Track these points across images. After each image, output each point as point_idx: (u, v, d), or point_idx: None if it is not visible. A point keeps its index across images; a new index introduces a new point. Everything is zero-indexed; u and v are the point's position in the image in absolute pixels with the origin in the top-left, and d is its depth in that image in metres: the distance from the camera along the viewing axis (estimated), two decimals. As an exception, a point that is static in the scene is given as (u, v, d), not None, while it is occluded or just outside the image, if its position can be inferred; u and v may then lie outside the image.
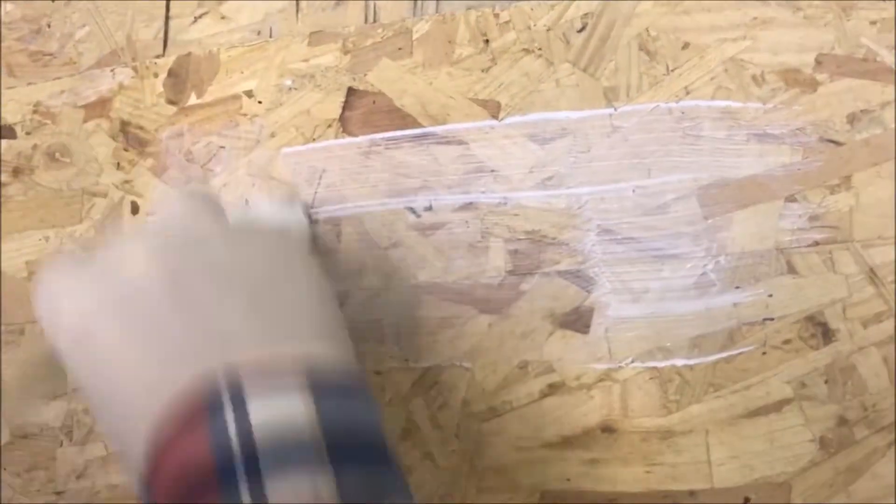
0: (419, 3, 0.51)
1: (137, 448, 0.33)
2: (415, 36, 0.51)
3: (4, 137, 0.57)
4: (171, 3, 0.56)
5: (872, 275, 0.42)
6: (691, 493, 0.43)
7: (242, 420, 0.30)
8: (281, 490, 0.29)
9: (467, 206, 0.48)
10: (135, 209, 0.53)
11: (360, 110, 0.51)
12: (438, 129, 0.49)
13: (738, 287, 0.44)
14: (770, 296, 0.43)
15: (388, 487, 0.32)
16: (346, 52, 0.52)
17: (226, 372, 0.32)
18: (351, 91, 0.51)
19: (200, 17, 0.56)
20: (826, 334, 0.43)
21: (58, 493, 0.51)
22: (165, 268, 0.35)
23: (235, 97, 0.53)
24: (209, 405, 0.31)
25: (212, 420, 0.30)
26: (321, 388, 0.32)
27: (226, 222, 0.39)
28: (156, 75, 0.55)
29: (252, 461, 0.29)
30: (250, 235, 0.38)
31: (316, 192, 0.50)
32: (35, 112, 0.57)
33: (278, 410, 0.31)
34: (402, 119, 0.50)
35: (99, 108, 0.56)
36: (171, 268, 0.35)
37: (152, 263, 0.35)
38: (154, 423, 0.32)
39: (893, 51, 0.44)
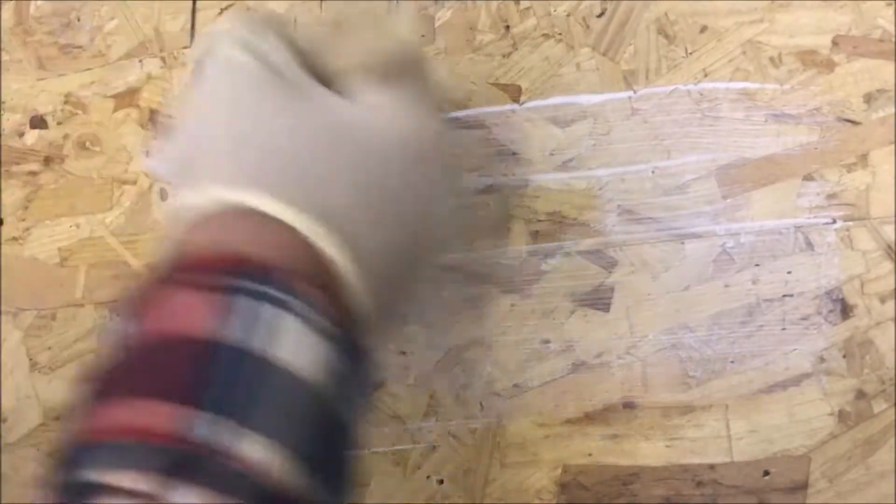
0: (441, -9, 0.52)
1: (186, 198, 0.33)
2: (437, 23, 0.52)
3: (36, 128, 0.59)
4: (198, -5, 0.58)
5: (889, 251, 0.43)
6: (711, 466, 0.44)
7: (271, 328, 0.28)
8: (252, 445, 0.27)
9: (489, 189, 0.49)
10: (164, 196, 0.55)
11: (384, 96, 0.52)
12: (461, 113, 0.50)
13: (757, 264, 0.45)
14: (789, 273, 0.44)
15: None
16: (369, 40, 0.53)
17: (290, 267, 0.30)
18: (374, 78, 0.52)
19: (227, 8, 0.57)
20: (844, 310, 0.43)
21: (90, 473, 0.52)
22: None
23: (261, 85, 0.54)
24: (254, 280, 0.29)
25: (246, 298, 0.28)
26: (345, 345, 0.31)
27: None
28: (183, 65, 0.56)
29: (237, 381, 0.27)
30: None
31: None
32: (66, 103, 0.58)
33: (307, 347, 0.29)
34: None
35: (128, 97, 0.57)
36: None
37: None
38: (223, 201, 0.31)
39: (909, 31, 0.45)
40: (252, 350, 0.27)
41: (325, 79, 0.37)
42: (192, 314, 0.28)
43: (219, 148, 0.33)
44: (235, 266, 0.29)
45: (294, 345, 0.28)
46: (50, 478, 0.27)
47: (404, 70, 0.38)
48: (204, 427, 0.26)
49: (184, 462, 0.25)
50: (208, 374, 0.27)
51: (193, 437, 0.25)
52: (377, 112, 0.36)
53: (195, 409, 0.26)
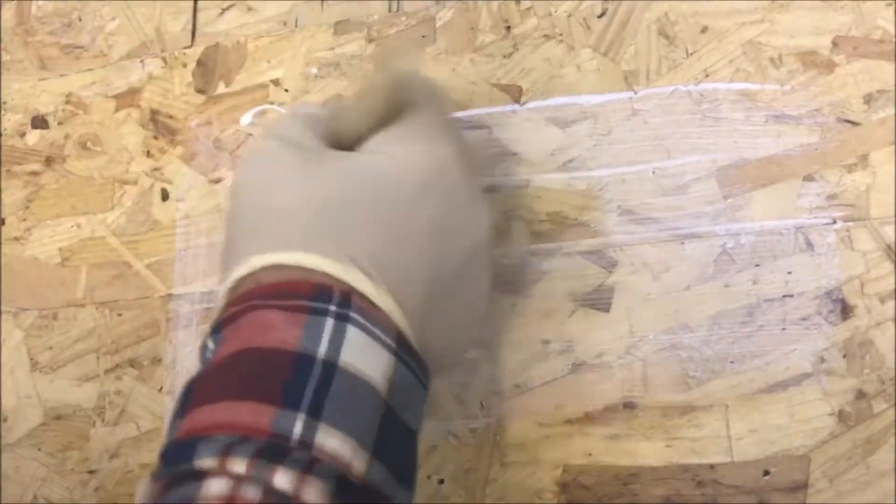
0: (442, -9, 0.53)
1: (232, 272, 0.36)
2: (438, 24, 0.52)
3: (38, 128, 0.59)
4: (200, -4, 0.58)
5: (889, 251, 0.43)
6: (711, 466, 0.44)
7: (335, 339, 0.33)
8: (328, 439, 0.31)
9: (490, 189, 0.49)
10: (164, 195, 0.55)
11: (385, 97, 0.52)
12: (462, 114, 0.50)
13: (757, 265, 0.45)
14: (789, 273, 0.44)
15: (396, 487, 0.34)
16: (370, 41, 0.53)
17: (343, 288, 0.34)
18: (375, 78, 0.52)
19: (228, 8, 0.57)
20: (844, 310, 0.43)
21: (91, 472, 0.53)
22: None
23: (262, 86, 0.54)
24: (317, 301, 0.33)
25: (312, 315, 0.33)
26: (403, 357, 0.34)
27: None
28: (184, 65, 0.57)
29: (322, 387, 0.32)
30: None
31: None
32: (67, 103, 0.59)
33: (369, 354, 0.33)
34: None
35: (129, 98, 0.57)
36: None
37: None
38: (257, 276, 0.35)
39: (910, 32, 0.45)
40: (319, 356, 0.32)
41: (350, 146, 0.40)
42: (273, 330, 0.33)
43: (251, 221, 0.37)
44: (320, 292, 0.34)
45: (372, 361, 0.33)
46: (159, 472, 0.32)
47: (399, 105, 0.40)
48: (289, 422, 0.30)
49: (275, 450, 0.30)
50: (295, 379, 0.31)
51: (281, 430, 0.30)
52: (386, 154, 0.38)
53: (284, 408, 0.31)
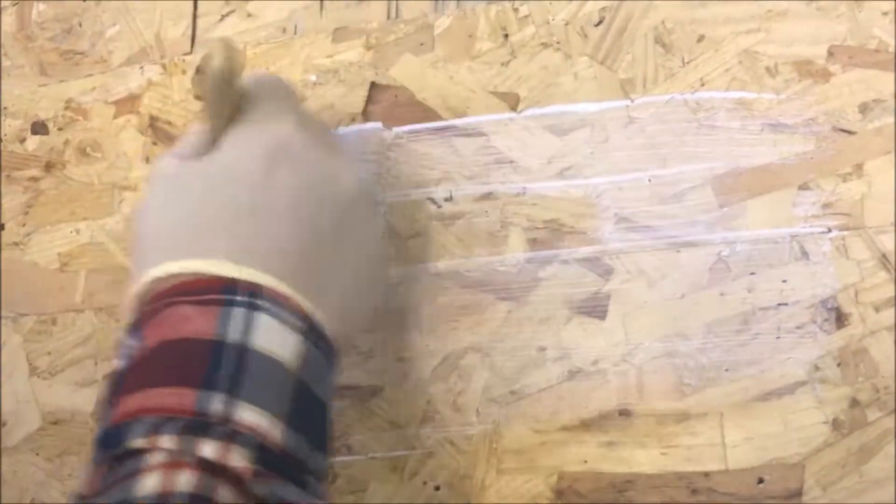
0: (440, -1, 0.53)
1: (144, 277, 0.39)
2: (436, 31, 0.52)
3: (37, 133, 0.59)
4: (199, 2, 0.58)
5: (884, 260, 0.43)
6: (706, 474, 0.44)
7: (247, 326, 0.36)
8: (246, 413, 0.34)
9: (487, 196, 0.49)
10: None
11: (383, 104, 0.52)
12: (459, 121, 0.50)
13: (752, 273, 0.45)
14: (784, 281, 0.44)
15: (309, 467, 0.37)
16: (368, 48, 0.53)
17: (250, 281, 0.37)
18: (374, 85, 0.52)
19: (227, 14, 0.57)
20: (839, 319, 0.43)
21: (89, 477, 0.53)
22: (274, 158, 0.40)
23: (261, 92, 0.54)
24: (226, 294, 0.37)
25: (225, 307, 0.36)
26: (310, 337, 0.38)
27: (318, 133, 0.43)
28: (184, 72, 0.57)
29: (238, 369, 0.35)
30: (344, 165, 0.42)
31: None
32: (67, 108, 0.59)
33: (279, 336, 0.36)
34: (423, 112, 0.51)
35: (129, 104, 0.58)
36: (282, 160, 0.40)
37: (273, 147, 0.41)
38: (170, 272, 0.38)
39: (905, 41, 0.45)
40: (233, 342, 0.35)
41: None
42: (189, 322, 0.36)
43: (148, 238, 0.41)
44: (228, 285, 0.37)
45: (268, 335, 0.36)
46: (97, 457, 0.35)
47: (237, 98, 0.42)
48: (215, 403, 0.34)
49: (198, 426, 0.33)
50: (214, 363, 0.35)
51: (203, 409, 0.34)
52: (228, 145, 0.41)
53: (206, 390, 0.34)
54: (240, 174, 0.40)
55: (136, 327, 0.38)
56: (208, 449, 0.33)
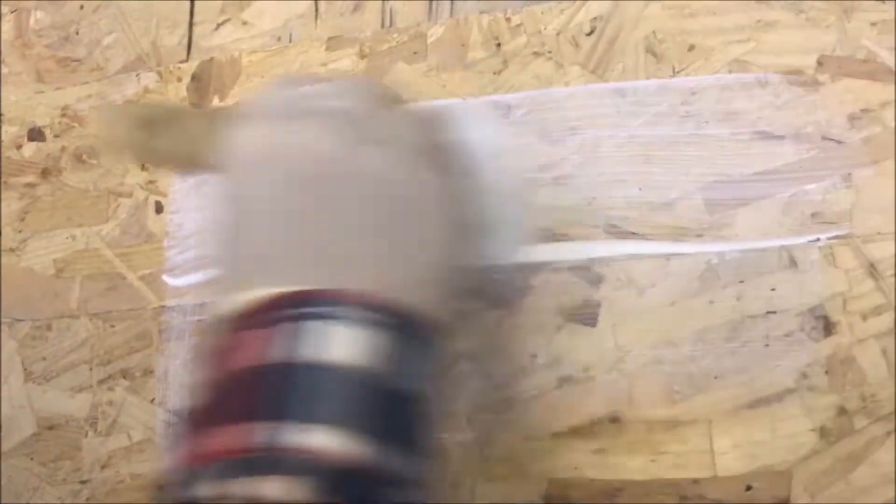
0: (433, 8, 0.53)
1: (228, 294, 0.36)
2: (429, 40, 0.52)
3: (34, 140, 0.59)
4: (195, 10, 0.58)
5: (872, 269, 0.44)
6: (695, 481, 0.44)
7: (307, 339, 0.33)
8: (314, 436, 0.31)
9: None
10: (159, 208, 0.55)
11: (376, 112, 0.52)
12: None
13: (741, 281, 0.45)
14: (773, 290, 0.45)
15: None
16: (362, 57, 0.53)
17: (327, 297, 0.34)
18: (367, 93, 0.53)
19: (223, 23, 0.58)
20: (827, 327, 0.44)
21: (83, 482, 0.53)
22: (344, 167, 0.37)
23: (256, 100, 0.55)
24: (286, 309, 0.34)
25: (274, 326, 0.33)
26: (385, 324, 0.34)
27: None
28: (179, 80, 0.57)
29: (306, 389, 0.32)
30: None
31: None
32: (63, 115, 0.59)
33: (335, 340, 0.33)
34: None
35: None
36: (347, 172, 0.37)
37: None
38: (246, 298, 0.35)
39: (893, 52, 0.45)
40: (299, 360, 0.33)
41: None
42: (253, 348, 0.34)
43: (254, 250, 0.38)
44: (279, 302, 0.34)
45: (342, 344, 0.33)
46: (164, 499, 0.33)
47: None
48: (265, 434, 0.31)
49: (263, 465, 0.31)
50: (259, 392, 0.33)
51: (256, 444, 0.31)
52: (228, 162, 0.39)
53: (253, 422, 0.32)
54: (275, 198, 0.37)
55: (207, 355, 0.36)
56: (274, 487, 0.30)
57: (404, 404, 0.34)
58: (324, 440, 0.31)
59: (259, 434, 0.31)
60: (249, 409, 0.32)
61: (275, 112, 0.39)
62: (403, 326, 0.35)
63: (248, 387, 0.33)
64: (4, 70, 0.62)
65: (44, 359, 0.55)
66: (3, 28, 0.63)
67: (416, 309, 0.35)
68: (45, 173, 0.58)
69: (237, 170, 0.38)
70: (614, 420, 0.46)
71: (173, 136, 0.41)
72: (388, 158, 0.38)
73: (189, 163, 0.41)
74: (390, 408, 0.34)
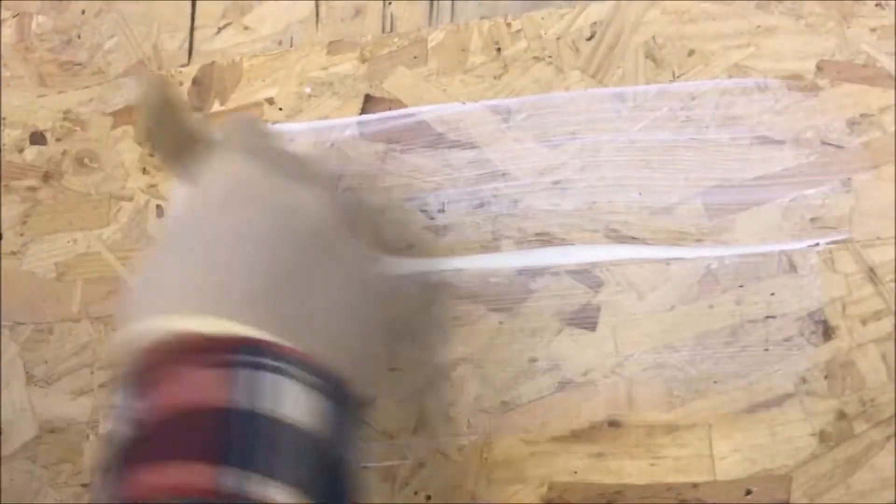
0: (434, 13, 0.53)
1: (147, 332, 0.35)
2: (430, 45, 0.52)
3: (36, 144, 0.60)
4: (196, 14, 0.58)
5: (871, 274, 0.44)
6: (694, 485, 0.44)
7: (257, 389, 0.33)
8: (269, 490, 0.31)
9: (479, 208, 0.49)
10: (160, 213, 0.55)
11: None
12: (451, 133, 0.51)
13: (741, 286, 0.45)
14: (772, 294, 0.45)
15: None
16: (363, 61, 0.54)
17: (249, 337, 0.34)
18: (368, 98, 0.53)
19: (224, 27, 0.58)
20: (826, 331, 0.44)
21: (84, 486, 0.53)
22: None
23: (257, 104, 0.55)
24: (232, 354, 0.33)
25: (234, 369, 0.33)
26: (330, 396, 0.35)
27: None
28: (181, 83, 0.57)
29: (254, 439, 0.32)
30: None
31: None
32: (65, 119, 0.59)
33: (293, 398, 0.33)
34: (416, 124, 0.51)
35: (126, 115, 0.58)
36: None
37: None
38: (176, 332, 0.34)
39: (893, 57, 0.45)
40: (262, 412, 0.32)
41: None
42: (204, 387, 0.33)
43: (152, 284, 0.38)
44: (232, 345, 0.34)
45: (294, 402, 0.33)
46: None
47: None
48: (234, 480, 0.31)
49: None
50: (229, 435, 0.32)
51: (226, 489, 0.31)
52: (191, 195, 0.40)
53: (223, 465, 0.31)
54: (197, 223, 0.38)
55: (139, 386, 0.34)
56: None
57: (342, 469, 0.35)
58: (281, 498, 0.31)
59: (228, 479, 0.31)
60: (197, 450, 0.32)
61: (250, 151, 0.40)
62: (335, 392, 0.35)
63: (208, 428, 0.32)
64: (6, 74, 0.62)
65: (45, 362, 0.56)
66: (5, 32, 0.63)
67: (344, 376, 0.36)
68: (46, 177, 0.59)
69: (199, 194, 0.39)
70: (614, 424, 0.46)
71: (178, 129, 0.42)
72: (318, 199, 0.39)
73: (174, 160, 0.42)
74: (332, 474, 0.34)
